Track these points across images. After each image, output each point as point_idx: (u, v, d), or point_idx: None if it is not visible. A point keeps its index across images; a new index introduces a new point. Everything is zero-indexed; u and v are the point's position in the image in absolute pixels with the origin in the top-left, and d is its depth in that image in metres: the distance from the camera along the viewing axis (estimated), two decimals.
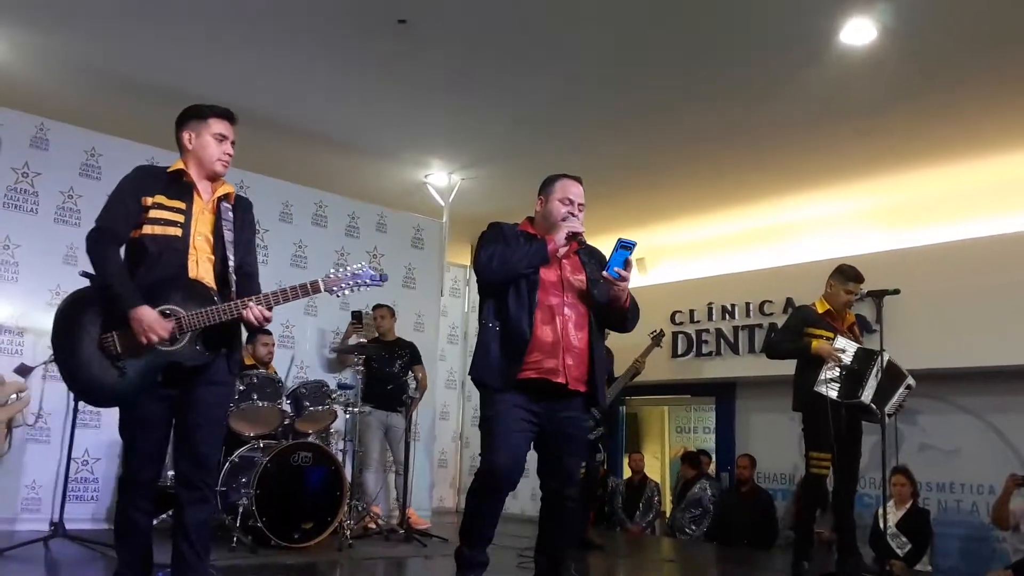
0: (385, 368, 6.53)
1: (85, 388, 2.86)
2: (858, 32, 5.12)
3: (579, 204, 3.53)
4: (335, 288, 3.09)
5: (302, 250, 6.99)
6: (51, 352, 2.92)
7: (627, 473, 9.07)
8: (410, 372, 6.72)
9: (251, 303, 2.92)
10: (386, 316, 6.78)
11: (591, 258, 3.56)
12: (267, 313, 2.97)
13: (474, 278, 9.94)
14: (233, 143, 3.14)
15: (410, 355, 6.77)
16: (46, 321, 5.62)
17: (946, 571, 6.44)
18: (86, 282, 4.26)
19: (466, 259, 10.14)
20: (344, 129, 7.13)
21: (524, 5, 5.13)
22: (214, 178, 3.10)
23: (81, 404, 4.87)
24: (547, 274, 3.39)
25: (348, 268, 3.13)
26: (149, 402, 2.88)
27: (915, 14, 4.94)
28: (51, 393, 5.49)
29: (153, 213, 2.93)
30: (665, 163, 7.43)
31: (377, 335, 6.75)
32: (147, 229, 2.92)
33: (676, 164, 7.42)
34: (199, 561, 2.92)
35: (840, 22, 5.05)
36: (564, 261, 3.46)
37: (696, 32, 5.29)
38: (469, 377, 3.52)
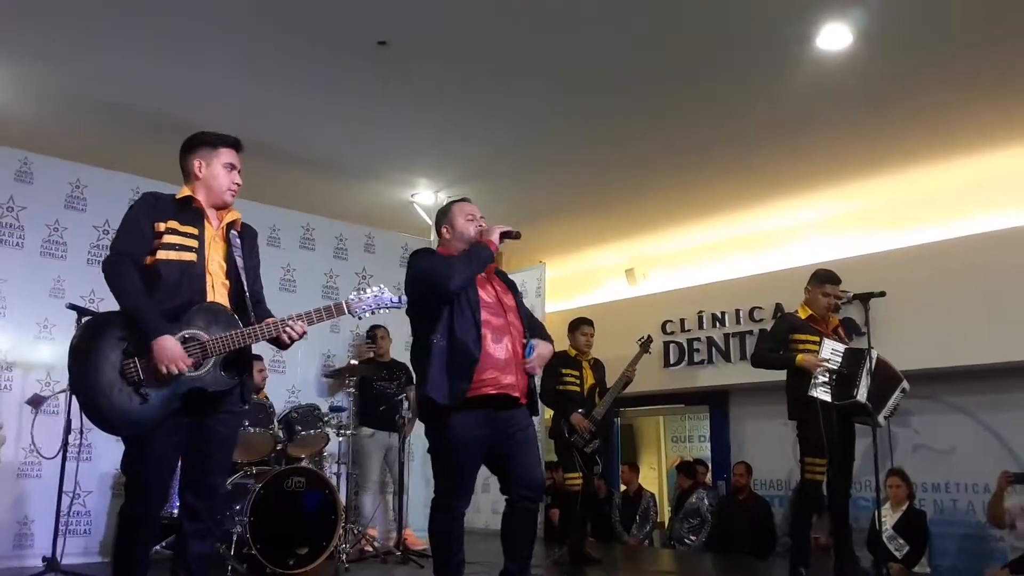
0: (385, 390, 6.52)
1: (106, 416, 2.78)
2: (834, 37, 5.16)
3: (480, 216, 3.69)
4: (357, 311, 3.16)
5: (290, 274, 6.99)
6: (65, 382, 2.88)
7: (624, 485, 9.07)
8: (404, 393, 6.70)
9: (292, 321, 2.97)
10: (384, 336, 6.78)
11: (506, 280, 3.72)
12: (306, 327, 3.01)
13: None
14: (240, 172, 3.18)
15: (406, 376, 6.77)
16: (34, 355, 5.67)
17: (944, 571, 6.45)
18: (73, 314, 4.25)
19: None
20: (328, 151, 7.15)
21: (502, 23, 5.16)
22: (222, 206, 3.12)
23: (72, 438, 4.89)
24: (484, 295, 3.47)
25: (370, 290, 3.20)
26: (163, 435, 2.84)
27: (890, 18, 4.99)
28: (42, 427, 5.46)
29: (167, 239, 2.93)
30: (650, 174, 7.46)
31: (372, 356, 6.74)
32: (162, 255, 2.91)
33: (661, 174, 7.45)
34: None
35: (816, 27, 5.08)
36: (494, 284, 3.58)
37: (675, 41, 5.33)
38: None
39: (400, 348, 7.13)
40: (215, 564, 4.69)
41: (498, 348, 3.37)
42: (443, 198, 8.09)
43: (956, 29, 5.08)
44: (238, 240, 3.12)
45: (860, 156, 6.87)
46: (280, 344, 3.04)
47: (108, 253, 2.96)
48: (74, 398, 4.23)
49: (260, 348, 6.12)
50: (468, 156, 7.28)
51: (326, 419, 5.77)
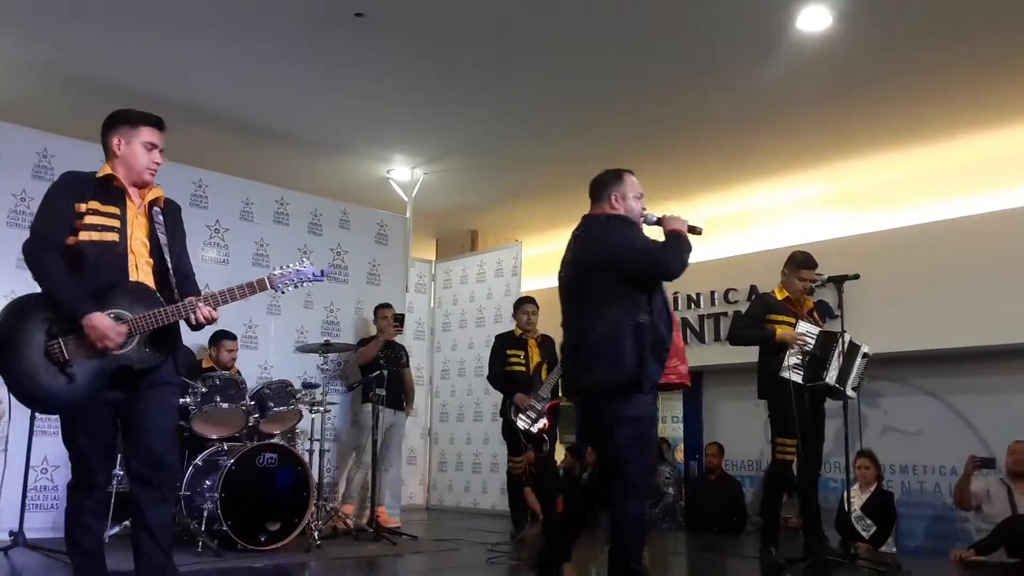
0: (393, 368, 6.48)
1: (34, 396, 2.82)
2: (814, 19, 5.15)
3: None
4: (280, 285, 3.13)
5: (264, 248, 6.90)
6: None
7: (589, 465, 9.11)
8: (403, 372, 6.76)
9: (199, 304, 2.95)
10: (388, 317, 6.77)
11: None
12: (214, 313, 3.00)
13: (440, 274, 9.91)
14: (162, 151, 3.13)
15: (405, 356, 6.77)
16: None
17: (911, 551, 6.54)
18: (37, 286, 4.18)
19: (431, 254, 10.11)
20: (303, 124, 7.05)
21: None
22: (141, 185, 3.09)
23: (38, 412, 4.83)
24: None
25: (293, 264, 3.18)
26: (94, 409, 2.88)
27: (870, 1, 4.99)
28: (6, 401, 5.39)
29: (89, 219, 2.91)
30: (625, 154, 7.33)
31: (380, 334, 6.75)
32: (84, 236, 2.90)
33: (636, 154, 7.37)
34: (168, 559, 2.91)
35: (796, 9, 5.08)
36: None
37: (655, 22, 5.30)
38: (598, 378, 3.41)
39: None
40: (177, 534, 4.72)
41: (677, 336, 3.52)
42: (419, 175, 8.04)
43: (935, 13, 5.09)
44: (160, 217, 3.11)
45: (837, 139, 6.90)
46: (191, 325, 3.02)
47: (29, 236, 2.94)
48: None
49: (231, 325, 6.05)
50: (446, 133, 7.21)
51: (299, 395, 5.73)
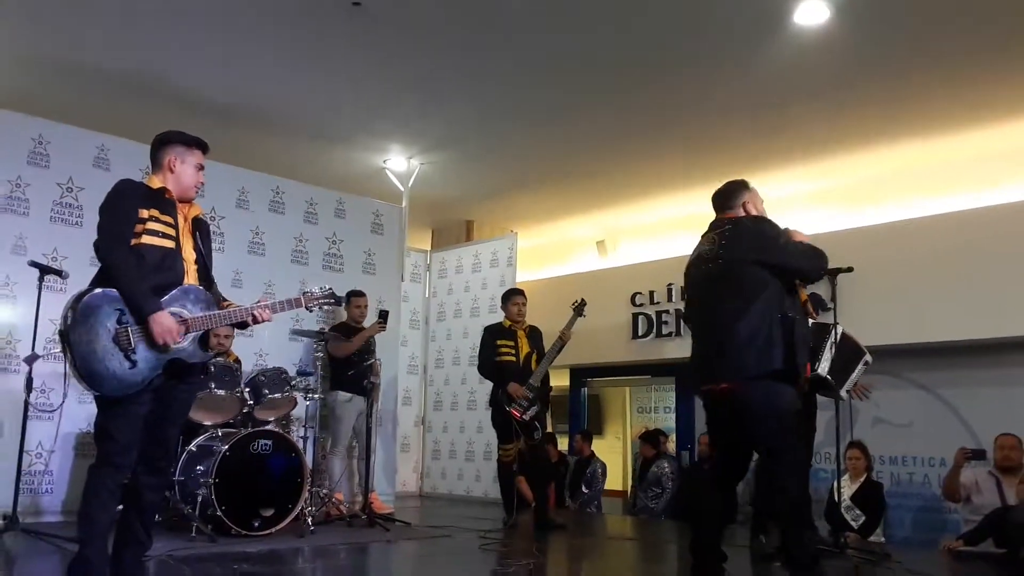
0: (364, 356, 6.50)
1: (98, 374, 3.08)
2: (811, 13, 5.17)
3: None
4: (311, 305, 3.68)
5: (259, 236, 6.91)
6: (58, 343, 3.16)
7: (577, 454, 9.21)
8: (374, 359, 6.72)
9: (257, 309, 3.40)
10: (361, 305, 6.77)
11: None
12: (271, 317, 3.46)
13: (435, 264, 9.94)
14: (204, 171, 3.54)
15: (373, 344, 6.77)
16: None
17: (899, 542, 6.61)
18: (35, 272, 4.36)
19: (426, 244, 10.12)
20: (300, 114, 7.06)
21: None
22: (186, 201, 3.45)
23: (33, 397, 4.92)
24: None
25: (320, 288, 3.72)
26: (142, 395, 3.17)
27: None
28: (2, 386, 5.41)
29: (151, 225, 3.24)
30: (622, 145, 7.46)
31: (346, 322, 6.74)
32: (146, 240, 3.22)
33: (633, 146, 7.46)
34: (149, 539, 3.30)
35: (793, 3, 5.09)
36: None
37: (652, 14, 5.30)
38: (763, 368, 3.59)
39: (369, 314, 7.11)
40: (171, 521, 5.13)
41: None
42: (415, 164, 8.05)
43: (932, 9, 5.11)
44: (197, 232, 3.48)
45: (832, 134, 6.93)
46: (243, 326, 3.53)
47: (100, 235, 3.21)
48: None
49: None
50: (442, 123, 7.22)
51: (294, 383, 5.75)
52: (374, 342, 6.70)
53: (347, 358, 6.46)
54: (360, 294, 6.82)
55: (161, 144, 3.44)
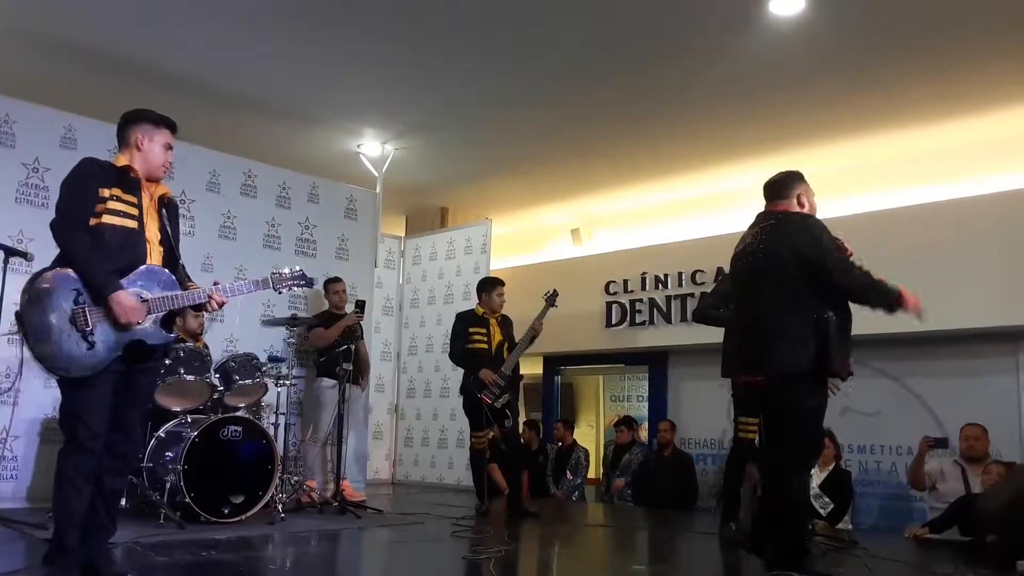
0: (351, 343, 6.44)
1: (54, 356, 3.03)
2: (786, 3, 5.19)
3: None
4: (280, 287, 3.59)
5: (231, 221, 6.82)
6: (15, 325, 3.12)
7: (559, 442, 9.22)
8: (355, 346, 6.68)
9: (214, 292, 3.32)
10: (341, 291, 6.72)
11: None
12: (226, 300, 3.39)
13: (409, 250, 9.88)
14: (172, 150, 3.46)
15: (360, 329, 6.72)
16: None
17: (866, 529, 6.69)
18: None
19: (400, 230, 10.06)
20: (273, 95, 6.96)
21: None
22: (153, 180, 3.38)
23: None
24: None
25: (289, 269, 3.64)
26: (105, 377, 3.12)
27: None
28: None
29: (111, 205, 3.17)
30: (597, 133, 7.45)
31: (335, 309, 6.69)
32: (107, 219, 3.15)
33: (609, 134, 7.45)
34: (112, 525, 3.27)
35: None
36: None
37: (628, 2, 5.28)
38: (803, 367, 3.61)
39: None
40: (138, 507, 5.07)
41: None
42: (390, 150, 7.99)
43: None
44: (164, 211, 3.40)
45: (806, 124, 6.97)
46: (201, 308, 3.45)
47: (57, 216, 3.16)
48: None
49: None
50: (417, 107, 7.16)
51: (264, 369, 5.70)
52: (360, 328, 6.66)
53: (331, 345, 6.40)
54: (337, 280, 6.77)
55: (128, 122, 3.38)
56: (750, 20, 5.40)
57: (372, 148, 8.01)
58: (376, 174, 8.15)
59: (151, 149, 3.34)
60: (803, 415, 3.68)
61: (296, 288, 3.67)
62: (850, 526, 6.27)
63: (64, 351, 3.02)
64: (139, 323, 3.13)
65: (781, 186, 4.01)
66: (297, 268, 3.66)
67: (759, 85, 6.32)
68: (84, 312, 3.06)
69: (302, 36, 5.93)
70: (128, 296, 3.10)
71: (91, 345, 3.05)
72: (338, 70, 6.47)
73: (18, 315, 3.06)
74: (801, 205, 3.94)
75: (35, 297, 3.04)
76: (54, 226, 3.14)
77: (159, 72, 6.39)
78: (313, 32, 5.85)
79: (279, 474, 5.35)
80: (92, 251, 3.10)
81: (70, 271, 3.09)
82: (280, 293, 3.64)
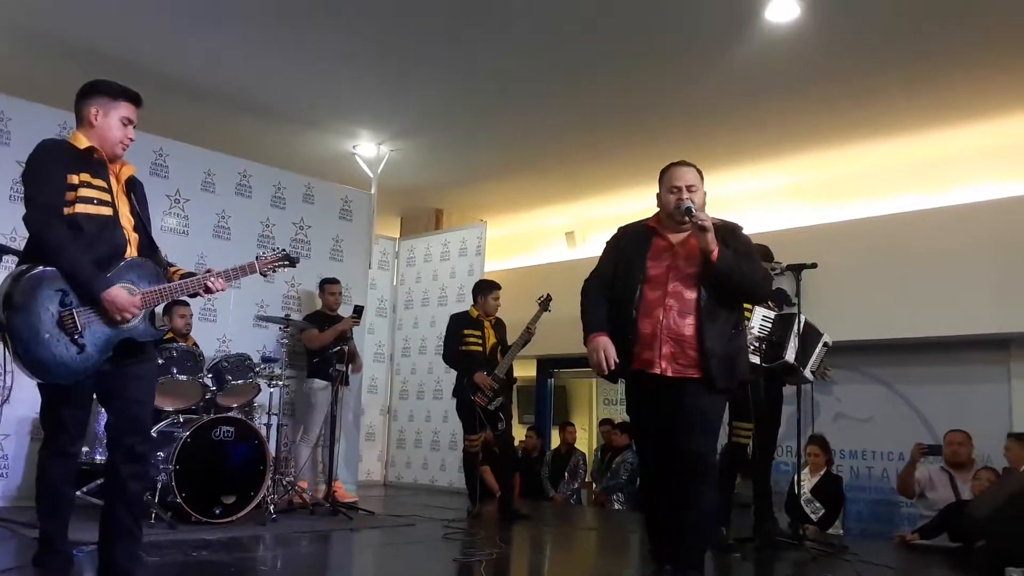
0: (343, 344, 6.44)
1: (44, 363, 2.82)
2: (782, 9, 5.20)
3: (686, 187, 3.76)
4: (266, 270, 3.49)
5: (225, 220, 6.81)
6: None
7: (556, 444, 9.22)
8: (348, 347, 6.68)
9: (212, 278, 3.16)
10: (335, 292, 6.72)
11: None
12: (226, 284, 3.25)
13: (403, 252, 9.84)
14: (135, 126, 3.15)
15: (352, 333, 6.73)
16: None
17: (857, 534, 6.71)
18: None
19: (395, 232, 10.06)
20: (269, 96, 6.96)
21: None
22: (113, 159, 3.11)
23: None
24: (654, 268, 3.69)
25: (273, 251, 3.52)
26: (88, 380, 2.94)
27: None
28: None
29: (83, 192, 2.92)
30: (593, 137, 7.46)
31: (321, 309, 6.68)
32: (80, 208, 2.91)
33: (604, 138, 7.47)
34: (137, 528, 3.01)
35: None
36: (678, 249, 3.71)
37: (622, 7, 5.30)
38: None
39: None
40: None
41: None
42: (385, 151, 7.99)
43: (901, 8, 5.16)
44: (131, 195, 3.18)
45: (800, 131, 6.99)
46: (194, 296, 3.30)
47: (30, 208, 2.91)
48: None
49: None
50: (413, 109, 7.17)
51: (257, 369, 5.69)
52: (351, 331, 6.66)
53: (323, 347, 6.38)
54: (334, 281, 6.77)
55: (83, 95, 3.08)
56: (746, 27, 5.42)
57: (367, 149, 8.00)
58: (371, 175, 8.14)
59: (106, 124, 3.03)
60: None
61: (281, 268, 3.54)
62: (841, 531, 6.28)
63: (56, 358, 2.81)
64: (138, 315, 2.94)
65: None
66: (280, 248, 3.56)
67: (754, 91, 6.34)
68: (72, 315, 2.84)
69: (299, 37, 5.93)
70: (120, 291, 2.89)
71: (81, 348, 2.85)
72: (334, 71, 6.46)
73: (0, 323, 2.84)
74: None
75: (18, 303, 2.79)
76: (29, 220, 2.90)
77: (154, 70, 6.37)
78: (309, 33, 5.85)
79: (271, 475, 5.34)
80: (74, 245, 2.85)
81: (51, 269, 2.85)
82: (265, 276, 3.48)
